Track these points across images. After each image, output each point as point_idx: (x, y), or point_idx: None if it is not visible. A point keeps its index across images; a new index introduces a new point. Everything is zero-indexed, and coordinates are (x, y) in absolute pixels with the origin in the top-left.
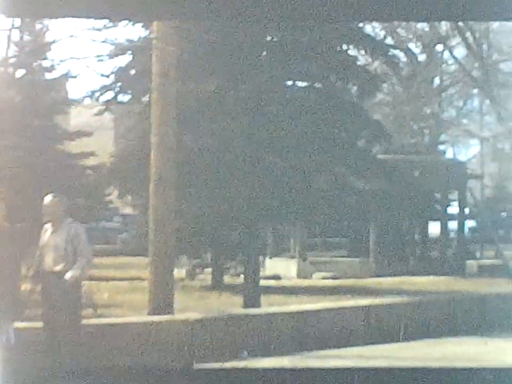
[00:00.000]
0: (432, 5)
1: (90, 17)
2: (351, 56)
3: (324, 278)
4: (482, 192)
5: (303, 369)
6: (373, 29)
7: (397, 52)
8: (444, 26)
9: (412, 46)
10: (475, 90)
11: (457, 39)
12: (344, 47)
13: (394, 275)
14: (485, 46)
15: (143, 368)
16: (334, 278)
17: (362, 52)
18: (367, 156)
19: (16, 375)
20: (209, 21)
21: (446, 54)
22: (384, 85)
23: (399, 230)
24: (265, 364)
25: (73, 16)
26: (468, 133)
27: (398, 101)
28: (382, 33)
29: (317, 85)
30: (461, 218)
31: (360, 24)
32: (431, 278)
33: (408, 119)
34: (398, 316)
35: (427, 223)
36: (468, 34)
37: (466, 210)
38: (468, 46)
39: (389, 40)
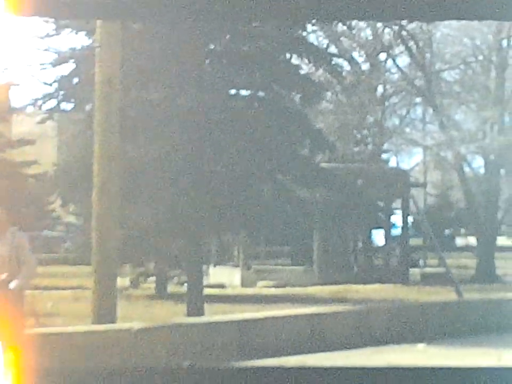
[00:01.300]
0: (432, 4)
1: (95, 18)
2: (294, 65)
3: (267, 287)
4: (426, 200)
5: (303, 368)
6: (316, 37)
7: (340, 60)
8: (387, 35)
9: (355, 54)
10: (418, 99)
11: (401, 48)
12: (287, 56)
13: (338, 283)
14: (428, 55)
15: (135, 369)
16: (278, 286)
17: (306, 60)
18: (310, 164)
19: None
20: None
21: (389, 63)
22: (328, 94)
23: (342, 238)
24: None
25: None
26: (411, 141)
27: (341, 110)
28: (325, 42)
29: (260, 93)
30: (404, 226)
31: (303, 33)
32: (374, 286)
33: (352, 128)
34: (342, 324)
35: (370, 232)
36: (411, 43)
37: (410, 219)
38: (411, 55)
39: (332, 49)
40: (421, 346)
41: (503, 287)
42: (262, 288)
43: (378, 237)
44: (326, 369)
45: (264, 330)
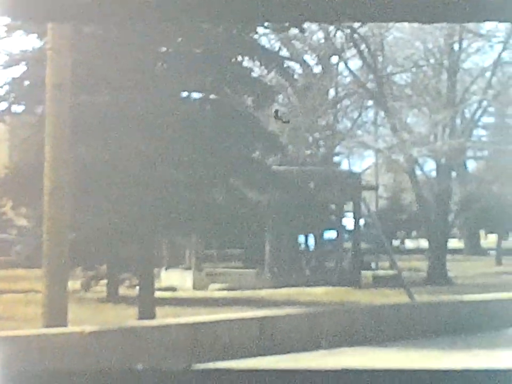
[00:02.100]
0: (432, 6)
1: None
2: (246, 67)
3: (219, 290)
4: (377, 203)
5: (302, 370)
6: (268, 40)
7: (292, 63)
8: (339, 38)
9: (307, 57)
10: (370, 102)
11: (353, 51)
12: (239, 58)
13: (290, 286)
14: (380, 58)
15: (136, 370)
16: (229, 289)
17: (258, 63)
18: (262, 167)
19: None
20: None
21: (341, 66)
22: (280, 97)
23: (294, 241)
24: None
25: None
26: (363, 144)
27: (293, 113)
28: (277, 44)
29: (212, 96)
30: (356, 229)
31: (255, 36)
32: (326, 288)
33: (304, 131)
34: (293, 327)
35: (322, 234)
36: (363, 46)
37: (361, 221)
38: (363, 58)
39: (284, 52)
40: (374, 349)
41: (454, 289)
42: (214, 291)
43: (331, 240)
44: (325, 370)
45: (216, 333)
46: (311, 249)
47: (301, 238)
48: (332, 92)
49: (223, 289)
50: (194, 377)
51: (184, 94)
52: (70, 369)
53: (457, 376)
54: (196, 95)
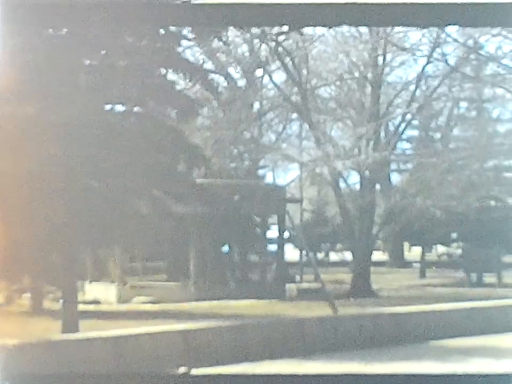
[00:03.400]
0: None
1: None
2: (170, 80)
3: (143, 303)
4: (302, 216)
5: (301, 374)
6: (192, 53)
7: (216, 76)
8: (264, 51)
9: (231, 70)
10: (294, 115)
11: (277, 64)
12: (163, 71)
13: (215, 299)
14: (304, 71)
15: (138, 374)
16: (154, 302)
17: (182, 76)
18: (187, 180)
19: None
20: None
21: (266, 79)
22: (204, 109)
23: (219, 254)
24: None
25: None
26: (287, 157)
27: (218, 125)
28: (202, 57)
29: (136, 109)
30: (280, 242)
31: (179, 48)
32: (251, 301)
33: (228, 143)
34: (218, 340)
35: (247, 247)
36: (288, 59)
37: (286, 234)
38: (287, 71)
39: (209, 65)
40: (298, 361)
41: (378, 302)
42: (138, 304)
43: (255, 252)
44: (324, 375)
45: (140, 346)
46: (235, 262)
47: (226, 251)
48: (256, 105)
49: (148, 302)
50: (194, 382)
51: (108, 106)
52: (69, 372)
53: (458, 380)
54: (119, 107)
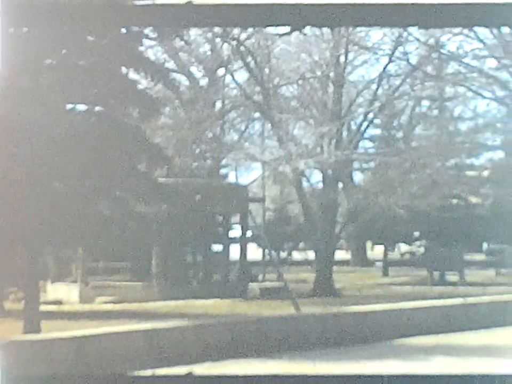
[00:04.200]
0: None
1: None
2: (131, 79)
3: (106, 303)
4: (264, 215)
5: (300, 375)
6: (154, 52)
7: (178, 75)
8: (226, 50)
9: (193, 69)
10: (257, 114)
11: (239, 63)
12: (124, 70)
13: (178, 298)
14: (266, 70)
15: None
16: (116, 302)
17: (143, 75)
18: (148, 179)
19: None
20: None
21: (228, 78)
22: (166, 109)
23: (181, 253)
24: None
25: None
26: (250, 156)
27: (179, 125)
28: (164, 56)
29: (97, 108)
30: (243, 241)
31: (141, 48)
32: (214, 301)
33: (190, 143)
34: (180, 340)
35: (210, 246)
36: (250, 58)
37: (248, 233)
38: (250, 70)
39: (171, 64)
40: (261, 361)
41: (341, 301)
42: (100, 304)
43: (218, 252)
44: (324, 376)
45: (102, 346)
46: (198, 262)
47: (189, 250)
48: (218, 104)
49: (110, 302)
50: (195, 382)
51: (69, 106)
52: (68, 374)
53: (459, 380)
54: (81, 107)
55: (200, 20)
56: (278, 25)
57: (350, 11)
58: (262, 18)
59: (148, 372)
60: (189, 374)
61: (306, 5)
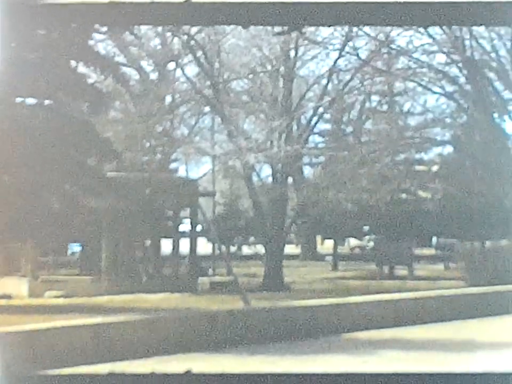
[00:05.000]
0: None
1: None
2: (81, 73)
3: (56, 297)
4: (214, 210)
5: (302, 373)
6: (104, 46)
7: (128, 69)
8: (176, 44)
9: (144, 63)
10: (207, 109)
11: (189, 58)
12: (74, 64)
13: (127, 293)
14: (216, 65)
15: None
16: (66, 296)
17: (93, 69)
18: (98, 173)
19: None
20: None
21: (178, 72)
22: (116, 103)
23: (131, 248)
24: None
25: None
26: (200, 150)
27: (129, 119)
28: (114, 51)
29: (47, 102)
30: (193, 235)
31: (91, 42)
32: (163, 295)
33: (140, 137)
34: (129, 334)
35: (159, 241)
36: (200, 53)
37: (198, 228)
38: (200, 65)
39: (121, 58)
40: (209, 355)
41: (290, 295)
42: (50, 298)
43: (167, 246)
44: (323, 374)
45: (51, 340)
46: (148, 256)
47: (139, 245)
48: (168, 98)
49: (59, 297)
50: (193, 381)
51: (19, 99)
52: (68, 374)
53: (459, 379)
54: (30, 100)
55: (198, 18)
56: (277, 24)
57: (351, 10)
58: (261, 18)
59: (147, 370)
60: (188, 372)
61: (306, 3)
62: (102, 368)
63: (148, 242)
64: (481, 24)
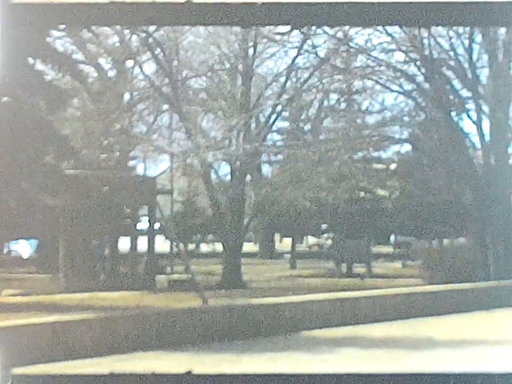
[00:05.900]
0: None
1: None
2: (38, 71)
3: (13, 295)
4: (172, 207)
5: (300, 375)
6: (62, 43)
7: (86, 67)
8: (135, 42)
9: (102, 61)
10: (165, 106)
11: (148, 55)
12: (31, 61)
13: (85, 291)
14: (175, 62)
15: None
16: (23, 294)
17: (51, 66)
18: (55, 171)
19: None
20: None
21: (137, 70)
22: (74, 100)
23: (89, 246)
24: None
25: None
26: (158, 148)
27: (87, 116)
28: (72, 48)
29: (4, 99)
30: (151, 233)
31: (48, 39)
32: (121, 293)
33: (98, 135)
34: (87, 332)
35: (117, 239)
36: (158, 50)
37: (156, 225)
38: (158, 62)
39: (79, 55)
40: (171, 354)
41: (248, 293)
42: (7, 296)
43: (125, 244)
44: (323, 374)
45: (7, 339)
46: (106, 254)
47: (96, 243)
48: (127, 96)
49: (17, 295)
50: (194, 381)
51: None
52: (68, 374)
53: (459, 379)
54: None
55: (198, 18)
56: (277, 24)
57: (350, 10)
58: (261, 17)
59: (147, 371)
60: (189, 373)
61: (307, 3)
62: (58, 368)
63: (106, 240)
64: (440, 25)
